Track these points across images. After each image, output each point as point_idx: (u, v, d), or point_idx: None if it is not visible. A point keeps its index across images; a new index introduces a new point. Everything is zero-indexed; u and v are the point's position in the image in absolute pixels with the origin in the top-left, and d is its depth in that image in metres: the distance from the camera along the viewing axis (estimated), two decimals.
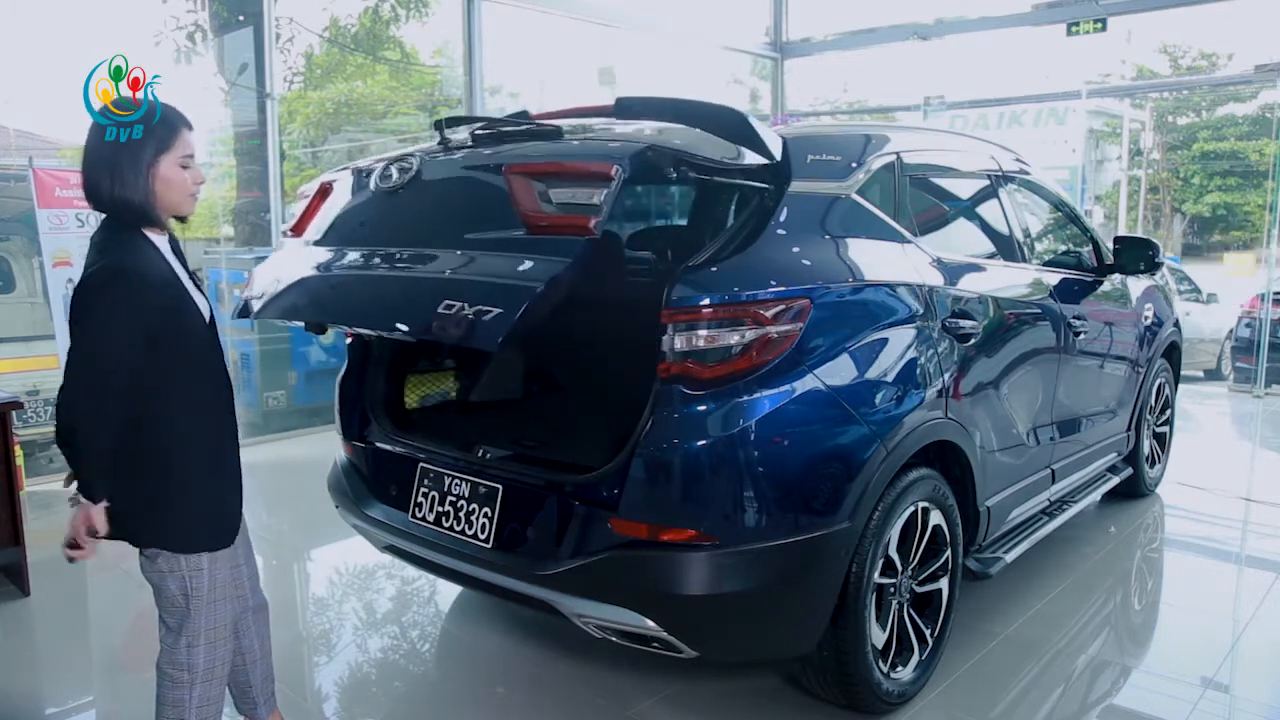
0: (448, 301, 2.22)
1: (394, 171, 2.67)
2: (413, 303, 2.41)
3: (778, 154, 2.62)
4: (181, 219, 2.19)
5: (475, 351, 3.71)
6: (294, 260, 2.78)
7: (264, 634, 2.51)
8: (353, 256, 2.65)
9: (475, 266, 2.34)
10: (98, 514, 1.99)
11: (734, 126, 2.60)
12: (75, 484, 2.03)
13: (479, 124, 2.79)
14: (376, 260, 2.59)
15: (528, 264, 2.23)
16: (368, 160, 2.89)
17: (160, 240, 2.13)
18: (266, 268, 2.90)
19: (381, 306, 2.54)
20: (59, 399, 1.99)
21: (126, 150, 2.05)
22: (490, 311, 2.13)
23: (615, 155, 2.26)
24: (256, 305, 2.71)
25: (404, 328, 2.45)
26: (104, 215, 2.11)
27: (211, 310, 2.21)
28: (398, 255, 2.55)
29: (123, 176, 2.04)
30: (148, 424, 2.05)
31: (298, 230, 2.94)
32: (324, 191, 2.93)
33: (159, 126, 2.11)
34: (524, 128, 2.71)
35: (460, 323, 2.16)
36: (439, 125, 2.81)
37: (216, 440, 2.20)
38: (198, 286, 2.18)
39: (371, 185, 2.74)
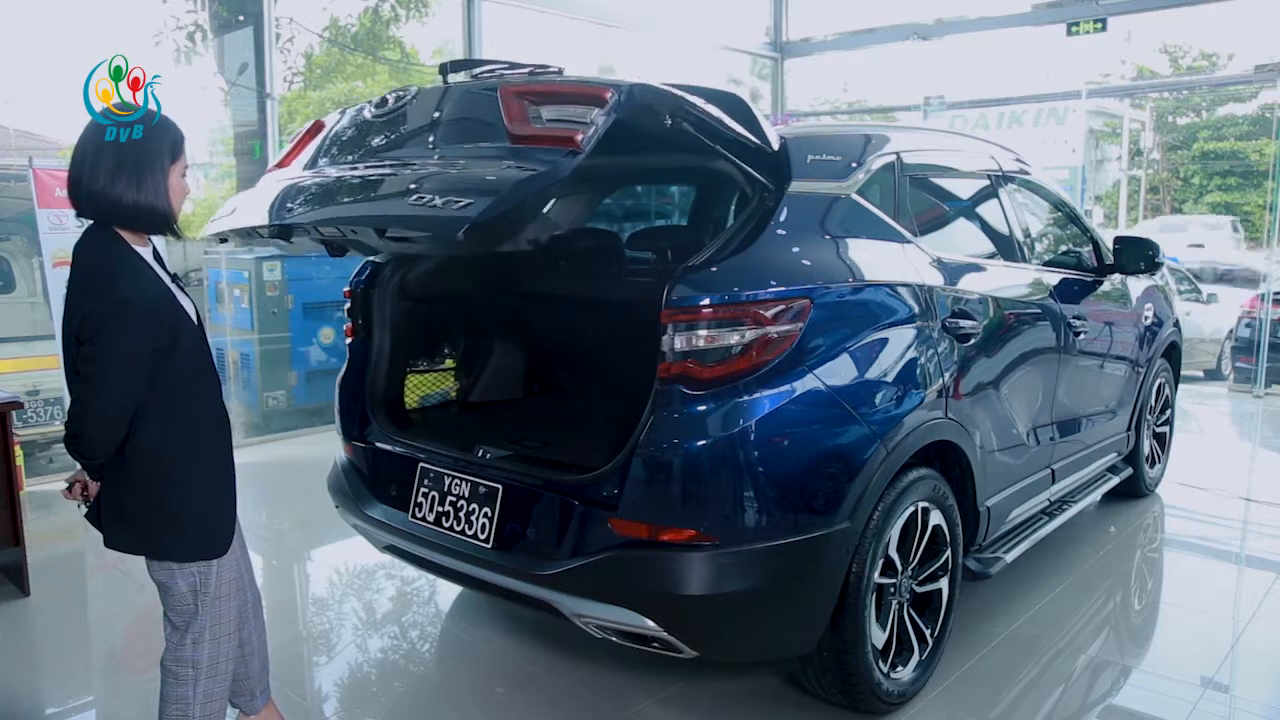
0: (416, 195, 2.16)
1: (389, 99, 2.64)
2: (380, 199, 2.34)
3: (775, 144, 2.61)
4: (173, 232, 2.13)
5: (475, 350, 3.73)
6: (268, 186, 2.71)
7: (261, 626, 2.52)
8: (329, 172, 2.60)
9: (450, 171, 2.28)
10: (94, 486, 2.15)
11: (736, 107, 2.58)
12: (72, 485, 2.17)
13: (483, 67, 2.74)
14: (353, 172, 2.52)
15: (506, 169, 2.15)
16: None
17: (145, 250, 2.10)
18: (237, 197, 2.86)
19: (348, 204, 2.46)
20: (70, 419, 2.00)
21: (145, 157, 2.02)
22: (458, 202, 2.04)
23: (614, 83, 2.22)
24: (218, 226, 2.65)
25: (369, 216, 2.34)
26: (89, 223, 2.06)
27: (197, 309, 2.19)
28: (375, 166, 2.49)
29: (144, 183, 2.00)
30: (155, 440, 2.06)
31: (283, 164, 2.88)
32: (315, 129, 2.88)
33: (173, 134, 2.10)
34: (526, 69, 2.63)
35: (425, 216, 2.09)
36: (443, 69, 2.76)
37: (218, 446, 2.21)
38: (181, 289, 2.17)
39: (364, 114, 2.71)
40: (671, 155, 2.98)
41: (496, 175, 2.15)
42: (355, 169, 2.55)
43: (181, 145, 2.10)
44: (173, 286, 2.13)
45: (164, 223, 2.06)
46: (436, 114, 2.56)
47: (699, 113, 2.32)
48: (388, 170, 2.44)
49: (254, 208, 2.61)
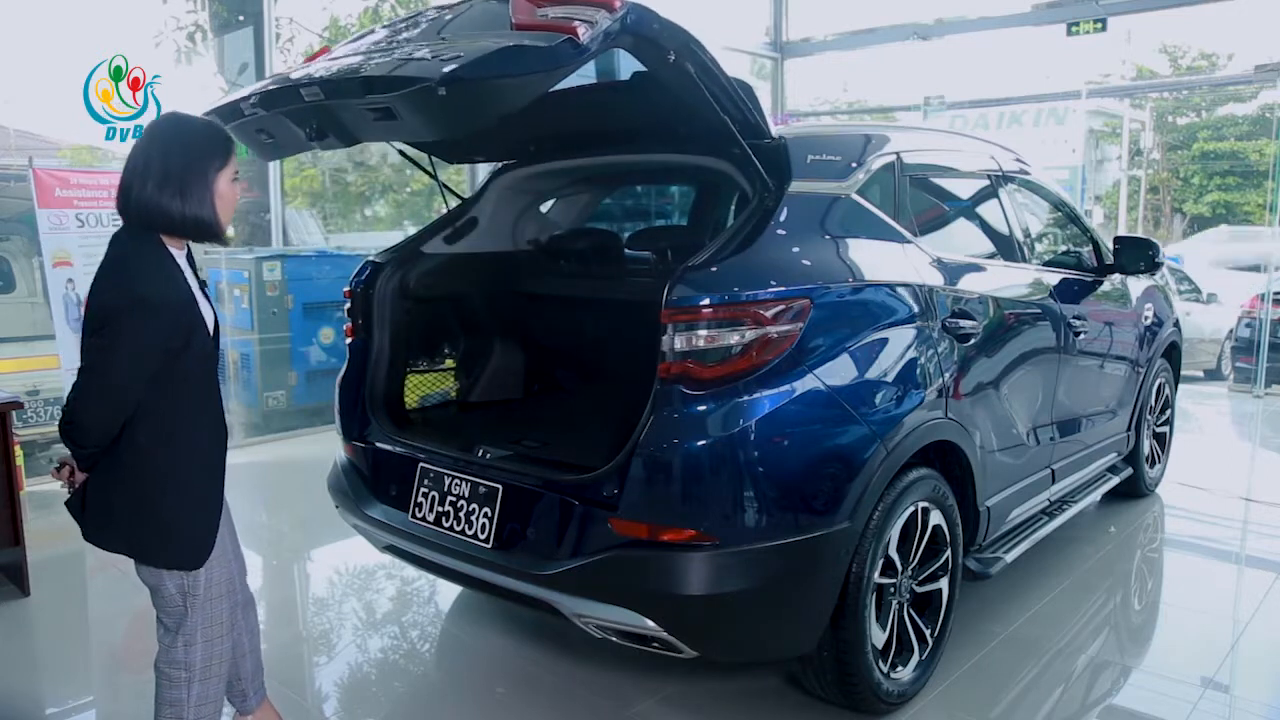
0: (403, 61, 2.16)
1: (403, 15, 2.61)
2: (368, 66, 2.29)
3: (773, 134, 2.61)
4: (222, 241, 2.16)
5: (475, 350, 3.72)
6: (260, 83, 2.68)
7: (252, 628, 2.51)
8: (328, 64, 2.53)
9: (443, 48, 2.22)
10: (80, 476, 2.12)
11: (742, 86, 2.56)
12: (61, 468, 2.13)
13: None
14: (352, 59, 2.46)
15: (501, 43, 2.10)
16: None
17: (179, 253, 2.11)
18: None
19: (334, 71, 2.38)
20: (68, 405, 2.00)
21: (192, 167, 2.02)
22: (445, 60, 2.01)
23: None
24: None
25: (349, 68, 2.29)
26: (125, 222, 2.08)
27: (216, 318, 2.20)
28: (373, 54, 2.44)
29: (189, 193, 2.01)
30: (150, 442, 2.05)
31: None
32: (321, 53, 2.84)
33: (221, 139, 2.11)
34: None
35: (406, 73, 2.07)
36: None
37: (212, 456, 2.19)
38: (206, 296, 2.18)
39: (376, 31, 2.68)
40: (674, 130, 2.97)
41: (489, 46, 2.09)
42: (355, 58, 2.48)
43: (230, 149, 2.11)
44: (198, 292, 2.13)
45: (210, 233, 2.08)
46: (449, 17, 2.53)
47: (705, 57, 2.31)
48: (383, 54, 2.39)
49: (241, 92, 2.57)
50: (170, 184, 2.00)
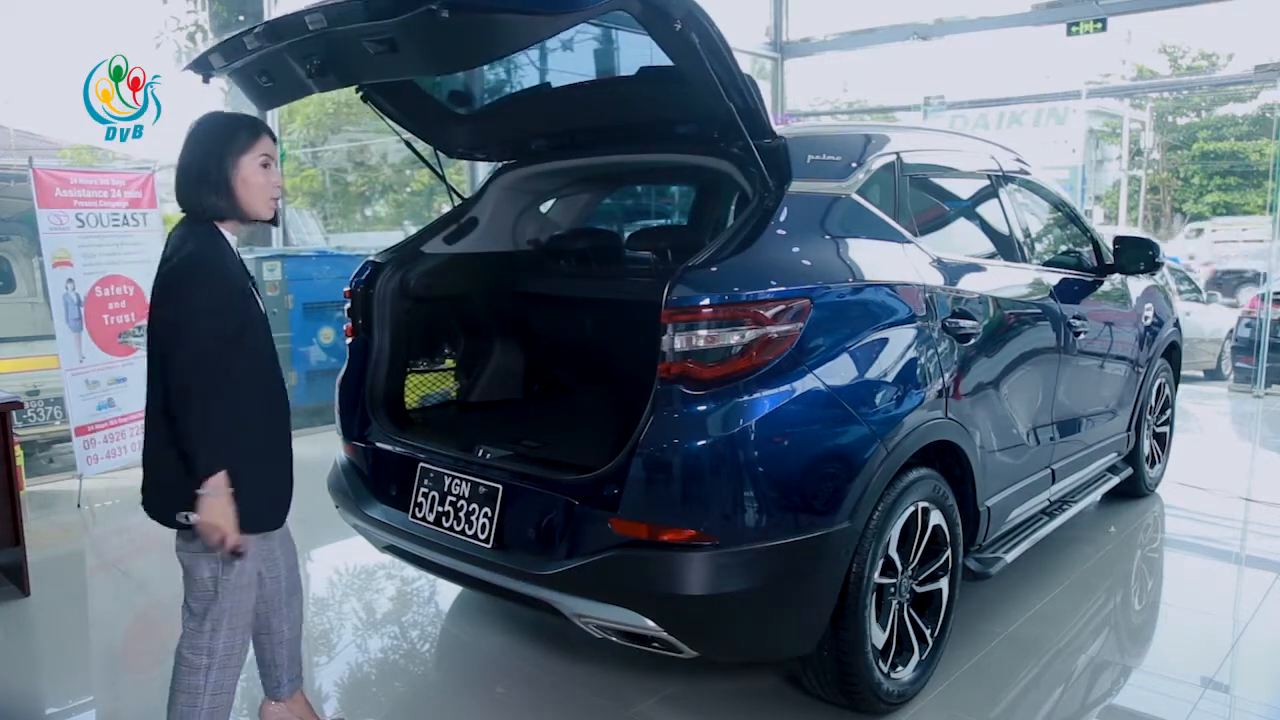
0: None
1: None
2: None
3: (775, 131, 2.62)
4: (271, 221, 2.30)
5: (475, 350, 3.73)
6: None
7: (295, 618, 2.54)
8: None
9: None
10: (225, 498, 2.05)
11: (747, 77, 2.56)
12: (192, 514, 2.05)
13: None
14: None
15: None
16: None
17: (232, 239, 2.25)
18: None
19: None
20: (170, 383, 2.04)
21: (207, 156, 2.16)
22: None
23: None
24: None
25: None
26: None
27: (263, 308, 2.31)
28: None
29: (207, 179, 2.15)
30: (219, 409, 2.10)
31: None
32: None
33: (235, 127, 2.20)
34: None
35: None
36: None
37: (278, 425, 2.30)
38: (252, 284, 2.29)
39: None
40: (675, 128, 2.96)
41: None
42: None
43: (252, 134, 2.19)
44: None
45: (235, 214, 2.20)
46: None
47: (711, 30, 2.30)
48: None
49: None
50: (196, 175, 2.16)
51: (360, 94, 3.28)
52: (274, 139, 2.29)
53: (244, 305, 2.19)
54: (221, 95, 8.02)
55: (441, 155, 3.60)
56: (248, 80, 2.74)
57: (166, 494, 2.13)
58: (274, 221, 2.30)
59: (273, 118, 7.04)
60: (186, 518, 2.06)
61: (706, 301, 2.34)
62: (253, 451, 2.17)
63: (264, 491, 2.23)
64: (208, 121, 2.22)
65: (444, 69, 2.53)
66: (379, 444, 3.12)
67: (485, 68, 3.60)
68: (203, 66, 2.77)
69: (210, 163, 2.15)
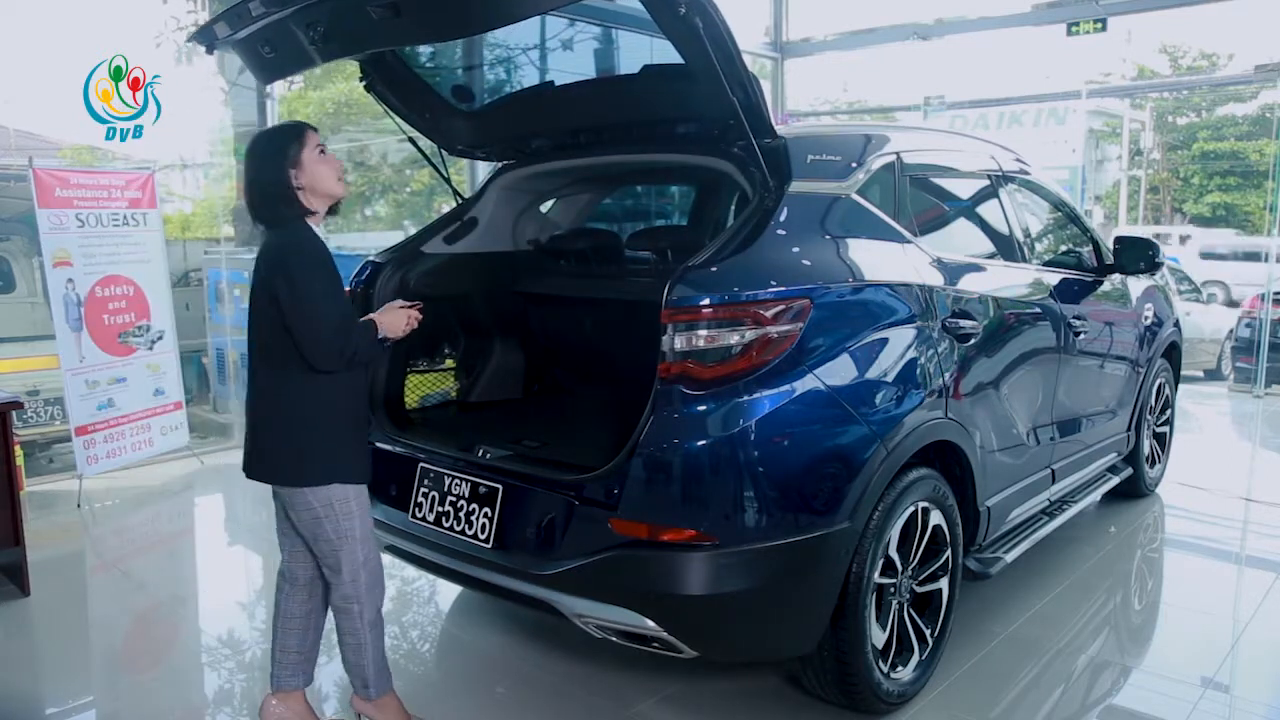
0: None
1: None
2: None
3: (775, 131, 2.63)
4: (337, 203, 2.46)
5: (475, 350, 3.72)
6: None
7: (319, 609, 2.70)
8: None
9: None
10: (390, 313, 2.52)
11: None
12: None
13: None
14: None
15: None
16: None
17: (320, 231, 2.46)
18: None
19: None
20: (308, 353, 2.30)
21: (265, 162, 2.35)
22: None
23: None
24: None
25: None
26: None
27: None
28: None
29: (274, 191, 2.34)
30: (288, 381, 2.37)
31: None
32: None
33: (287, 141, 2.38)
34: None
35: None
36: None
37: (359, 398, 2.49)
38: None
39: None
40: (675, 126, 2.96)
41: None
42: None
43: (296, 140, 2.37)
44: None
45: (310, 209, 2.39)
46: None
47: (715, 16, 2.31)
48: None
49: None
50: (263, 194, 2.36)
51: (364, 83, 3.29)
52: (316, 129, 2.45)
53: (336, 271, 2.40)
54: (221, 95, 8.02)
55: (445, 155, 3.61)
56: (250, 52, 2.73)
57: (270, 460, 2.43)
58: (318, 208, 2.43)
59: (274, 117, 7.04)
60: (385, 342, 2.50)
61: (706, 301, 2.34)
62: (346, 416, 2.42)
63: (354, 450, 2.46)
64: (259, 144, 2.41)
65: (447, 34, 2.53)
66: (379, 444, 3.11)
67: (486, 67, 3.60)
68: (206, 37, 2.77)
69: (271, 179, 2.33)
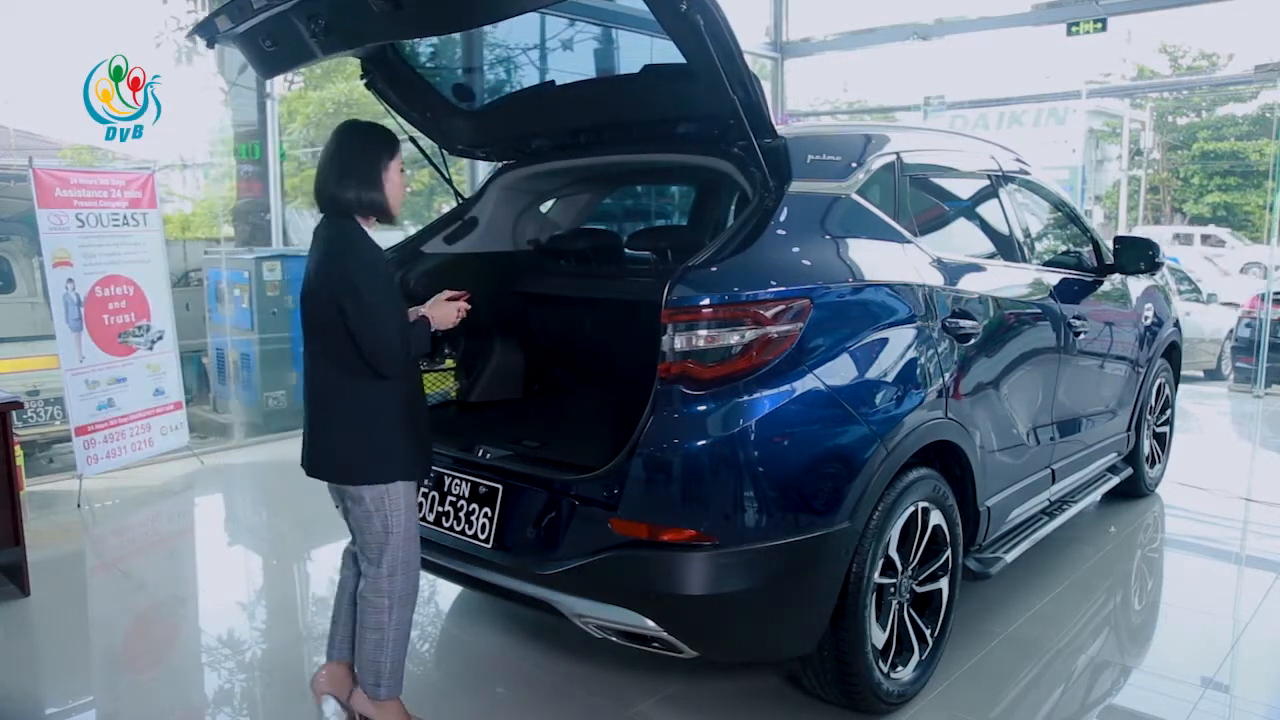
0: None
1: None
2: None
3: (775, 131, 2.63)
4: (390, 220, 2.52)
5: (475, 350, 3.72)
6: None
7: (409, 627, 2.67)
8: None
9: None
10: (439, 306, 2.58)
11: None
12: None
13: None
14: None
15: None
16: None
17: (369, 230, 2.49)
18: None
19: None
20: (371, 358, 2.34)
21: (366, 162, 2.41)
22: None
23: None
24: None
25: None
26: (323, 213, 2.44)
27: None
28: None
29: (365, 181, 2.40)
30: (345, 383, 2.42)
31: None
32: None
33: (389, 139, 2.46)
34: None
35: None
36: None
37: (415, 395, 2.54)
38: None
39: None
40: (675, 126, 2.96)
41: None
42: None
43: (397, 146, 2.48)
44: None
45: (382, 212, 2.46)
46: None
47: (717, 15, 2.31)
48: None
49: None
50: (349, 175, 2.39)
51: (365, 80, 3.28)
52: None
53: (392, 284, 2.48)
54: (221, 94, 8.02)
55: (445, 154, 3.61)
56: (251, 45, 2.73)
57: (329, 459, 2.48)
58: (393, 220, 2.54)
59: (274, 117, 7.04)
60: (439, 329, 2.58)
61: (706, 301, 2.34)
62: (400, 418, 2.45)
63: (408, 449, 2.48)
64: (363, 128, 2.46)
65: (448, 27, 2.52)
66: None
67: (487, 66, 3.60)
68: (208, 30, 2.77)
69: (366, 162, 2.40)
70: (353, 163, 2.40)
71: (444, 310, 2.57)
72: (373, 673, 2.55)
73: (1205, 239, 17.49)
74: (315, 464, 2.52)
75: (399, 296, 2.46)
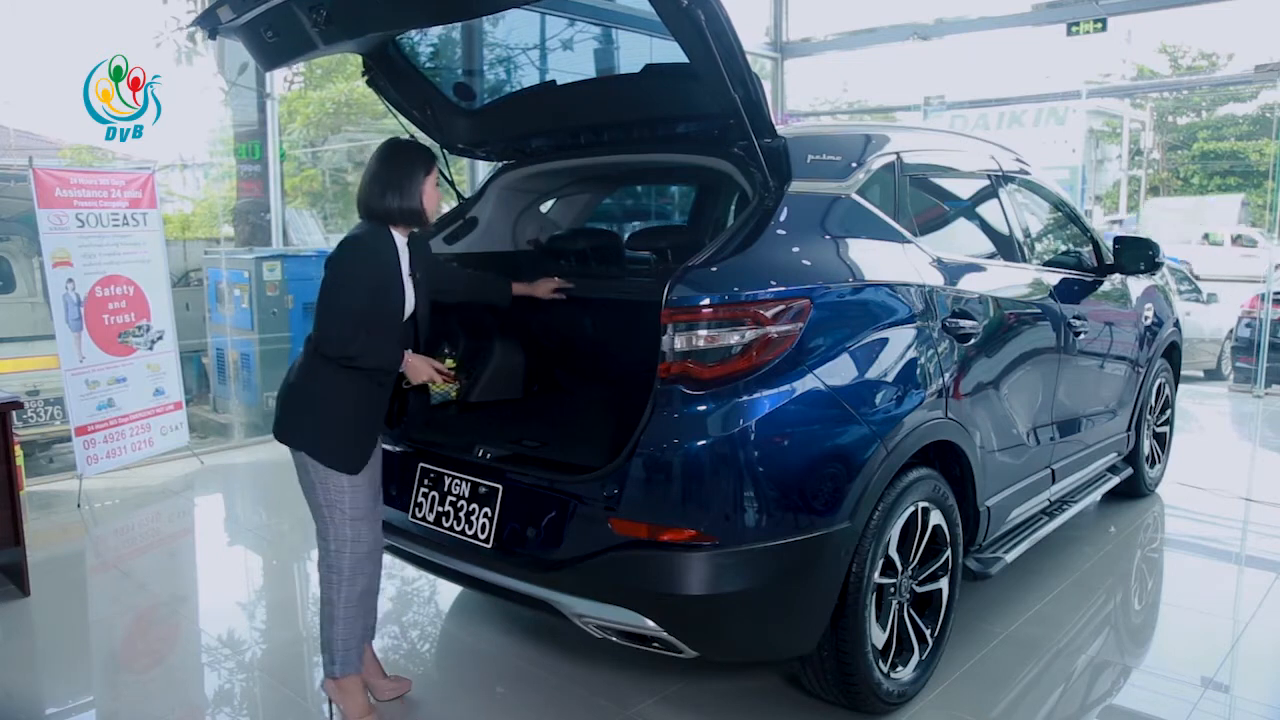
0: None
1: None
2: None
3: (776, 130, 2.63)
4: (425, 226, 2.73)
5: (475, 350, 3.72)
6: None
7: (372, 574, 2.77)
8: None
9: None
10: (422, 362, 2.69)
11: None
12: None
13: None
14: None
15: None
16: None
17: (401, 240, 2.65)
18: None
19: None
20: (320, 335, 2.51)
21: (407, 175, 2.60)
22: None
23: None
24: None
25: None
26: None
27: (415, 308, 2.70)
28: None
29: (405, 193, 2.59)
30: (329, 368, 2.55)
31: None
32: None
33: (426, 154, 2.67)
34: None
35: None
36: None
37: (377, 396, 2.67)
38: (415, 286, 2.69)
39: None
40: (675, 126, 2.96)
41: None
42: None
43: (434, 161, 2.67)
44: (406, 275, 2.65)
45: (417, 220, 2.65)
46: None
47: (719, 11, 2.30)
48: None
49: None
50: (391, 190, 2.58)
51: (365, 77, 3.28)
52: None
53: (385, 291, 2.59)
54: (221, 94, 8.02)
55: (445, 154, 3.60)
56: (253, 37, 2.73)
57: (286, 415, 2.66)
58: (427, 227, 2.78)
59: (274, 117, 7.04)
60: (407, 383, 2.74)
61: (706, 301, 2.34)
62: (359, 407, 2.61)
63: (355, 439, 2.63)
64: (402, 146, 2.67)
65: (449, 17, 2.53)
66: (379, 444, 3.11)
67: (487, 66, 3.60)
68: (210, 21, 2.77)
69: (406, 176, 2.59)
70: (393, 177, 2.58)
71: (420, 365, 2.70)
72: (328, 651, 2.69)
73: (1236, 239, 17.35)
74: (278, 420, 2.69)
75: (381, 295, 2.57)
